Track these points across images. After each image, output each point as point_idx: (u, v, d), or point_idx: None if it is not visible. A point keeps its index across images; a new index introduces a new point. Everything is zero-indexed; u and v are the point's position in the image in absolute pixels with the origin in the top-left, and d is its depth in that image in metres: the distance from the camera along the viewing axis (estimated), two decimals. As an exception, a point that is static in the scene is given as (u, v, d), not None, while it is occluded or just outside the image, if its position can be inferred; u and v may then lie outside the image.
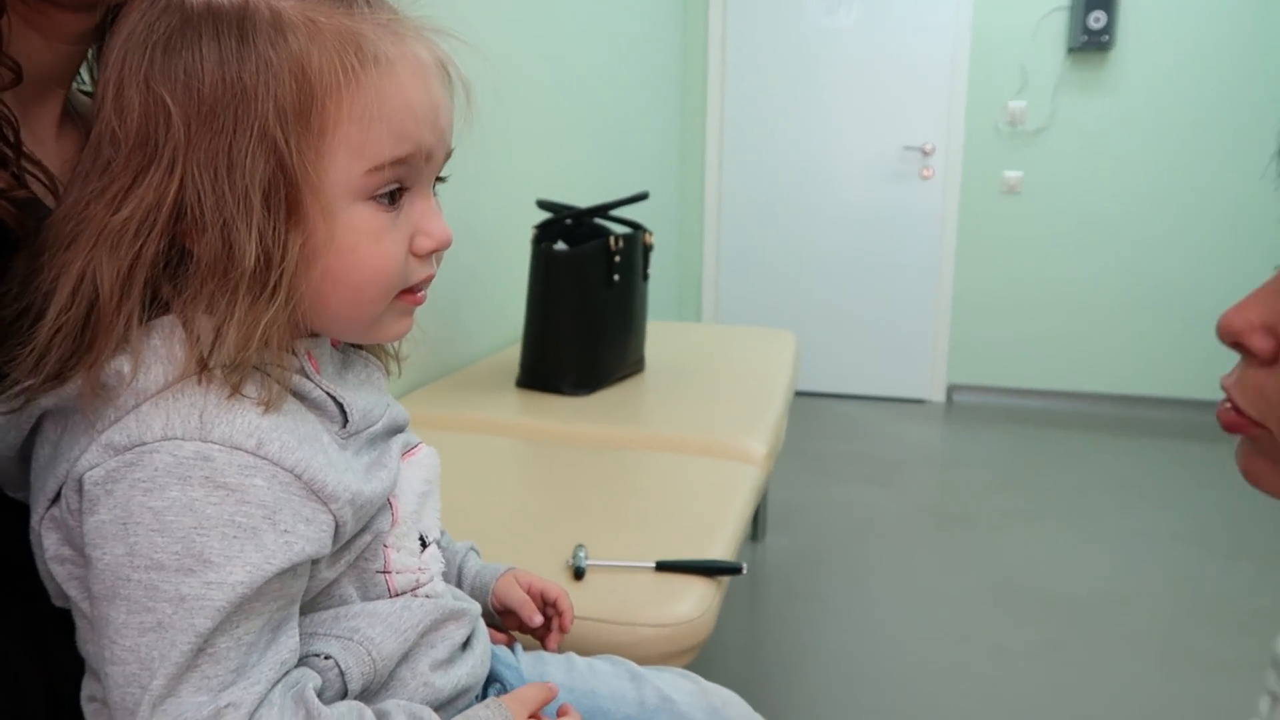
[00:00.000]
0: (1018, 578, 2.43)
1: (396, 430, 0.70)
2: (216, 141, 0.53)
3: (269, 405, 0.55)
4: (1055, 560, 2.54)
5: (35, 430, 0.57)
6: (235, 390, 0.54)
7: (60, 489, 0.54)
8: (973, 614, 2.25)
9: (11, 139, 0.58)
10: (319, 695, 0.59)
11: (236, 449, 0.52)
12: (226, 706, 0.51)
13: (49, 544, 0.56)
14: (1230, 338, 0.52)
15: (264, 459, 0.53)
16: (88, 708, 0.58)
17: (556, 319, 1.99)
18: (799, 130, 4.16)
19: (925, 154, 4.02)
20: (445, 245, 0.63)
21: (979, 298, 4.11)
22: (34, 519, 0.57)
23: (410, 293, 0.63)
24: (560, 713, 0.69)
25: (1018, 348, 4.11)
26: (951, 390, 4.22)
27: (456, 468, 1.52)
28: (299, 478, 0.55)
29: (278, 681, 0.55)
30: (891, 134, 4.06)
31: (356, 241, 0.57)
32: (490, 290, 2.38)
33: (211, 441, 0.52)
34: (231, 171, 0.53)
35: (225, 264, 0.54)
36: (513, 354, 2.17)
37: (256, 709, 0.52)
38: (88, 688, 0.58)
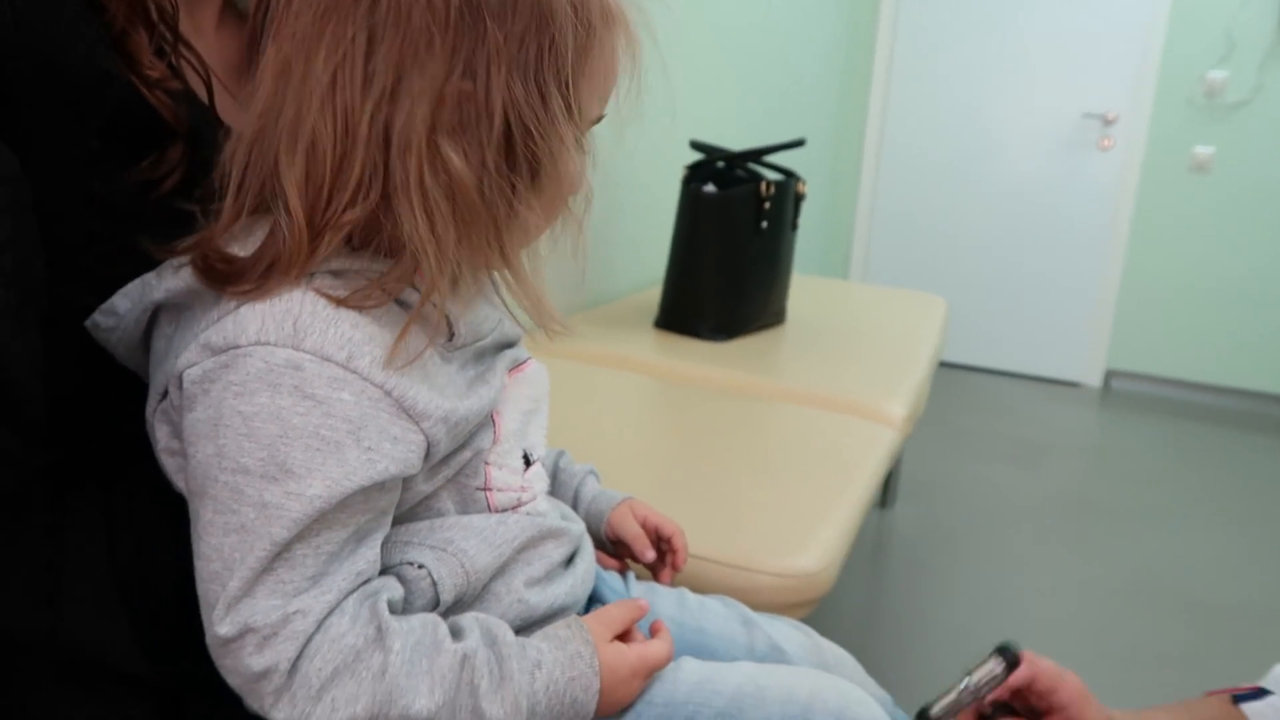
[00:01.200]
0: (1161, 578, 2.28)
1: (506, 345, 0.69)
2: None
3: (368, 312, 0.54)
4: (1205, 565, 2.37)
5: (154, 324, 0.59)
6: (336, 300, 0.53)
7: (168, 384, 0.55)
8: (1107, 611, 2.12)
9: (170, 26, 0.59)
10: (410, 604, 0.60)
11: (327, 360, 0.52)
12: (295, 613, 0.52)
13: (160, 436, 0.58)
14: None
15: (353, 373, 0.53)
16: (200, 603, 0.60)
17: (700, 262, 1.96)
18: (970, 86, 3.94)
19: (1107, 122, 3.75)
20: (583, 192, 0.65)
21: (1151, 280, 3.83)
22: (148, 410, 0.59)
23: None
24: (653, 630, 0.67)
25: (1188, 337, 3.82)
26: (1110, 376, 3.97)
27: (587, 399, 1.53)
28: (388, 394, 0.54)
29: (352, 591, 0.55)
30: (1071, 98, 3.79)
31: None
32: (636, 229, 2.37)
33: (303, 350, 0.52)
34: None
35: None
36: (653, 294, 2.15)
37: (326, 616, 0.53)
38: None
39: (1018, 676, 0.74)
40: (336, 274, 0.54)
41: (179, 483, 0.58)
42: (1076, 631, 2.03)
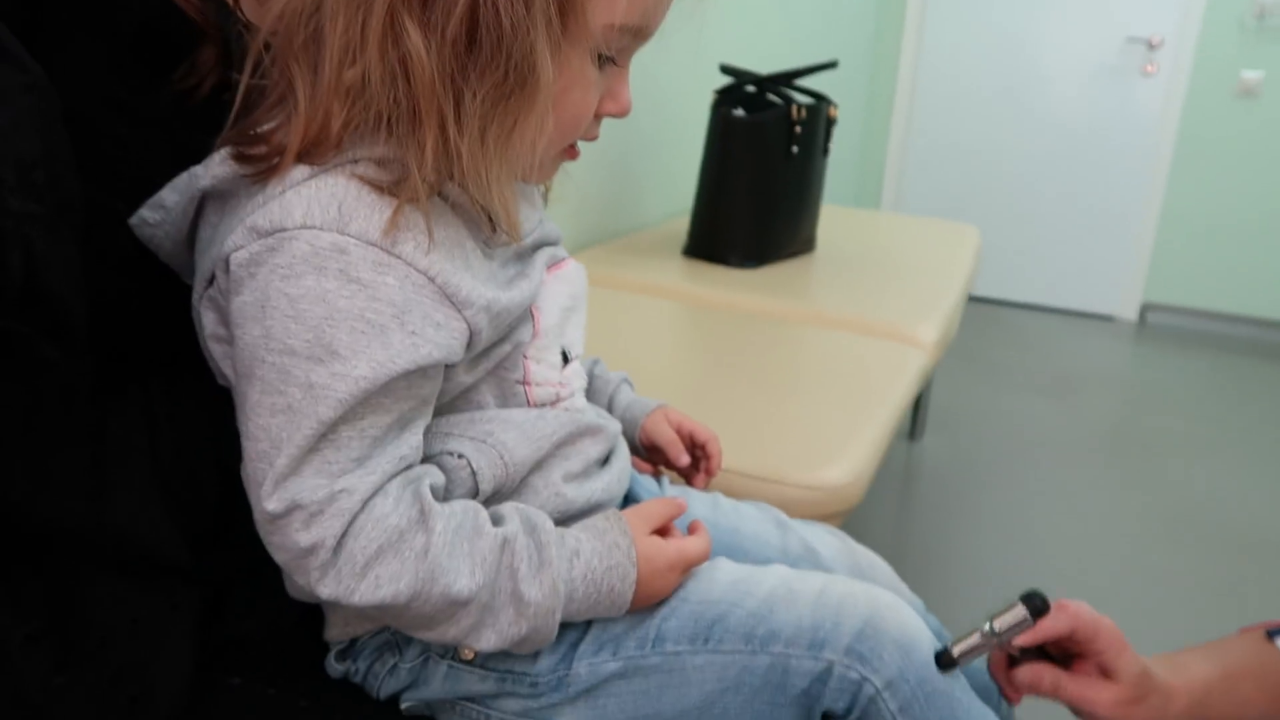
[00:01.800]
0: (1197, 511, 2.27)
1: (546, 245, 0.69)
2: None
3: (414, 202, 0.54)
4: (1243, 497, 2.35)
5: (200, 215, 0.59)
6: (379, 187, 0.53)
7: (215, 270, 0.56)
8: (1140, 542, 2.12)
9: None
10: (449, 493, 0.61)
11: (371, 245, 0.53)
12: (341, 491, 0.53)
13: (207, 323, 0.59)
14: None
15: (397, 258, 0.53)
16: (245, 484, 0.61)
17: (730, 187, 1.94)
18: (1009, 9, 3.81)
19: (1151, 47, 3.63)
20: (624, 115, 0.63)
21: (1192, 211, 3.73)
22: (194, 298, 0.59)
23: (573, 147, 0.64)
24: (691, 529, 0.68)
25: (1229, 270, 3.74)
26: (1145, 309, 3.91)
27: (615, 323, 1.53)
28: (432, 280, 0.54)
29: (396, 475, 0.56)
30: (1115, 21, 3.67)
31: (571, 85, 0.57)
32: (665, 157, 2.34)
33: (348, 234, 0.52)
34: None
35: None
36: (681, 224, 2.14)
37: (371, 497, 0.54)
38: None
39: (1055, 628, 0.72)
40: (380, 163, 0.54)
41: (225, 368, 0.59)
42: (1109, 562, 2.03)
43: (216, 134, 0.59)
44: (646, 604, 0.63)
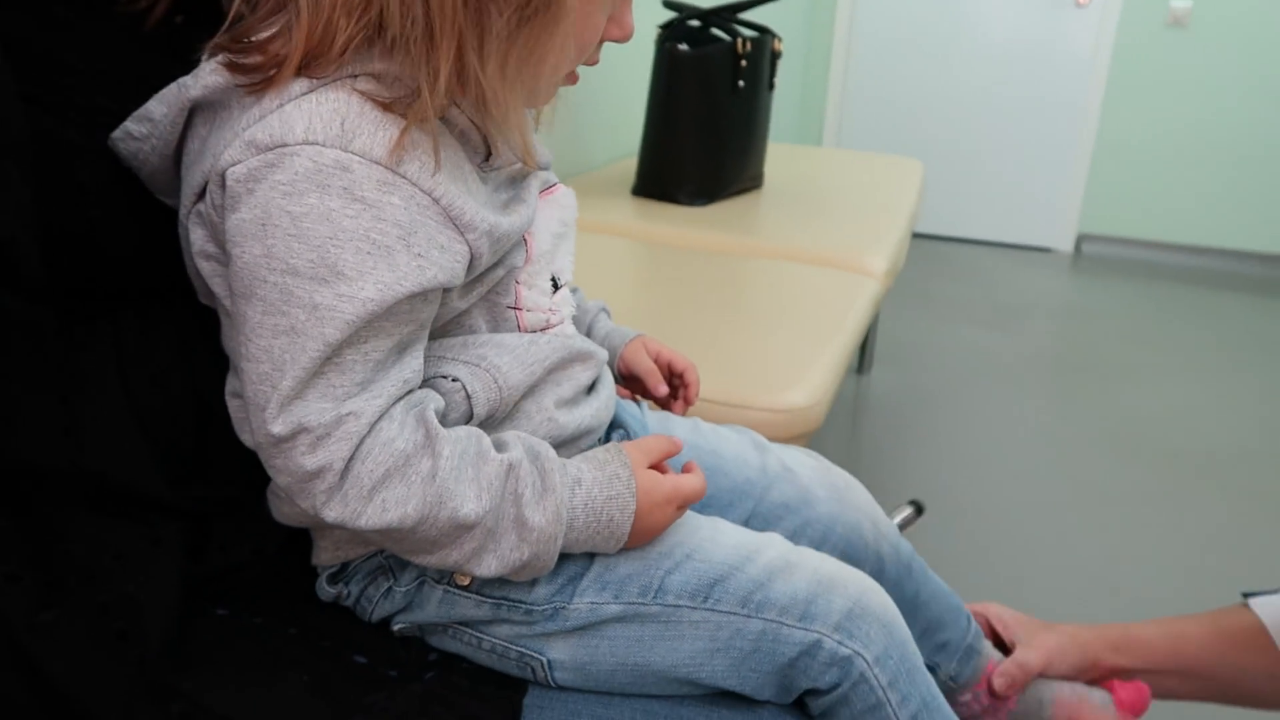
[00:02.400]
0: (1136, 429, 2.35)
1: (539, 169, 0.69)
2: None
3: (417, 120, 0.53)
4: (1180, 414, 2.44)
5: (188, 127, 0.57)
6: (381, 104, 0.52)
7: (205, 184, 0.54)
8: (1083, 460, 2.20)
9: None
10: (444, 418, 0.60)
11: (375, 163, 0.51)
12: (348, 415, 0.52)
13: (195, 239, 0.57)
14: None
15: (402, 177, 0.52)
16: (231, 403, 0.60)
17: (677, 124, 1.93)
18: (945, -55, 3.83)
19: (1084, -21, 3.68)
20: (627, 39, 0.63)
21: (1125, 142, 3.82)
22: (181, 213, 0.57)
23: (574, 72, 0.63)
24: (685, 469, 0.68)
25: (1162, 199, 3.84)
26: (1081, 240, 4.00)
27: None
28: (436, 201, 0.54)
29: (400, 398, 0.55)
30: (1048, -46, 3.71)
31: (590, 8, 0.58)
32: (609, 99, 2.32)
33: (351, 152, 0.51)
34: None
35: None
36: (628, 165, 2.13)
37: (377, 420, 0.53)
38: (230, 384, 0.60)
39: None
40: (378, 77, 0.53)
41: (215, 286, 0.57)
42: (1056, 478, 2.11)
43: (173, 58, 0.57)
44: (643, 538, 0.63)
